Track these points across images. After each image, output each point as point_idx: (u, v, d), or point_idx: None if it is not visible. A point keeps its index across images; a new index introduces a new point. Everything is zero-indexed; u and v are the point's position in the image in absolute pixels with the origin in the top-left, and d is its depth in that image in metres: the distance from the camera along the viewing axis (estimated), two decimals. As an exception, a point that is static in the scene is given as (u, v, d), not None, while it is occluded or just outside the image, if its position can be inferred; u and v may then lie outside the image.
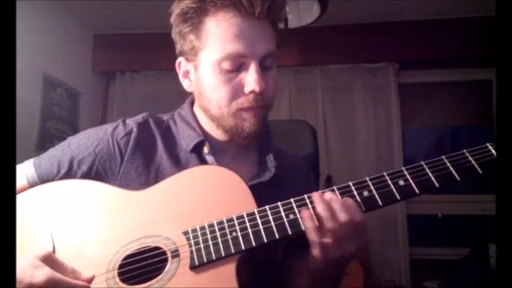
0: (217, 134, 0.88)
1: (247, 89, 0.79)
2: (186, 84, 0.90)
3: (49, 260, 0.69)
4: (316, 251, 0.70)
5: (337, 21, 2.83)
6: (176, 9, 0.83)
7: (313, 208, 0.70)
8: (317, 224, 0.68)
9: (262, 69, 0.81)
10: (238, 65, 0.79)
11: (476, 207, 2.78)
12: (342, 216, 0.66)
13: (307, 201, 0.72)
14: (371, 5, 2.68)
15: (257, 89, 0.78)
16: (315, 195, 0.70)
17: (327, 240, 0.68)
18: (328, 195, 0.70)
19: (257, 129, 0.82)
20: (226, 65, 0.79)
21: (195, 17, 0.80)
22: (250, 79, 0.79)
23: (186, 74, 0.89)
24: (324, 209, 0.68)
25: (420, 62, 2.95)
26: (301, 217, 0.69)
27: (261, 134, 0.85)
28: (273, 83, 0.84)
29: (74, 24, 2.92)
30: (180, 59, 0.88)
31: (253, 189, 0.76)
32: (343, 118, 2.97)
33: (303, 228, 0.70)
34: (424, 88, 3.11)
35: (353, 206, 0.68)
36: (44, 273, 0.66)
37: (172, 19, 0.85)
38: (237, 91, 0.80)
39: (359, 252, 0.71)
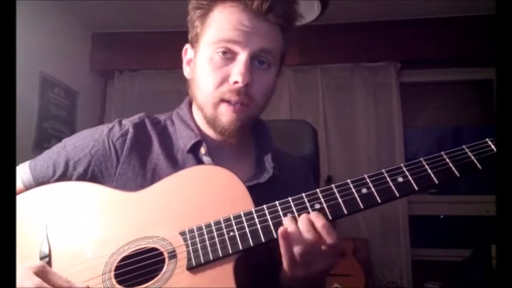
0: (212, 133, 0.87)
1: (231, 79, 0.79)
2: (187, 71, 0.90)
3: (42, 271, 0.68)
4: (285, 265, 0.70)
5: (338, 20, 2.83)
6: None
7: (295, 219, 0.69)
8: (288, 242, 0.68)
9: (256, 64, 0.81)
10: (229, 53, 0.80)
11: (479, 208, 2.77)
12: (309, 235, 0.67)
13: (305, 199, 0.71)
14: (372, 3, 2.68)
15: (239, 79, 0.78)
16: (286, 219, 0.69)
17: (296, 257, 0.68)
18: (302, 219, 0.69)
19: (234, 127, 0.81)
20: (217, 50, 0.80)
21: (205, 5, 0.83)
22: (236, 70, 0.79)
23: (189, 61, 0.90)
24: (294, 229, 0.68)
25: (422, 61, 2.94)
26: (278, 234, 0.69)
27: (239, 134, 0.84)
28: (265, 83, 0.83)
29: (72, 23, 2.91)
30: (187, 46, 0.90)
31: (251, 190, 0.75)
32: (344, 118, 2.97)
33: None
34: (425, 87, 3.11)
35: (324, 228, 0.67)
36: (33, 283, 0.65)
37: (189, 7, 0.86)
38: (222, 80, 0.80)
39: (330, 270, 0.71)
